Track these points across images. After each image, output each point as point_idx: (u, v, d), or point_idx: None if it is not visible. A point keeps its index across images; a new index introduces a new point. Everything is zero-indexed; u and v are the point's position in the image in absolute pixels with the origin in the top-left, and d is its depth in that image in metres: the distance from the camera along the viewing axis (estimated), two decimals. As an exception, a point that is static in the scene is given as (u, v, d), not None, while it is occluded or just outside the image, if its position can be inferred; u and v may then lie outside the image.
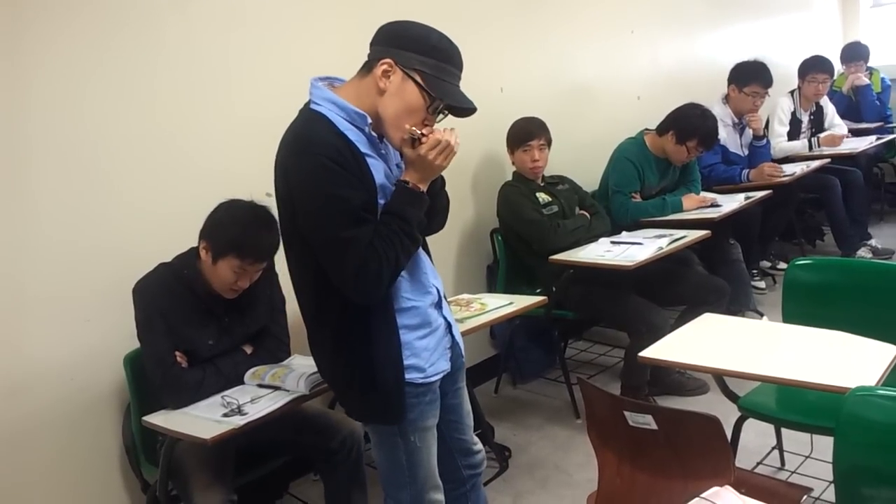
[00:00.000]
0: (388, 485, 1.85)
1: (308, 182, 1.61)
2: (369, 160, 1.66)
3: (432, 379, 1.78)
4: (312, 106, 1.69)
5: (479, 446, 2.05)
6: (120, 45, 2.40)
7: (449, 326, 1.87)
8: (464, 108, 1.70)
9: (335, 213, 1.60)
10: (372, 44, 1.70)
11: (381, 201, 1.68)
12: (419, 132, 1.65)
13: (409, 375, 1.73)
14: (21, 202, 2.22)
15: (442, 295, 1.87)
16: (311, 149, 1.61)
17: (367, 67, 1.70)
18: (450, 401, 1.92)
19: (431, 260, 1.90)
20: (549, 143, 3.41)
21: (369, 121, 1.68)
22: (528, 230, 3.32)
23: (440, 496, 1.87)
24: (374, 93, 1.67)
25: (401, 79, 1.64)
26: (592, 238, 3.32)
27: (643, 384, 3.21)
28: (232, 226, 2.13)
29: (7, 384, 2.21)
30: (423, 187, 1.70)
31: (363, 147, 1.67)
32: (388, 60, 1.64)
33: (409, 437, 1.77)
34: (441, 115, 1.72)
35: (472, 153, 3.57)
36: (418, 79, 1.64)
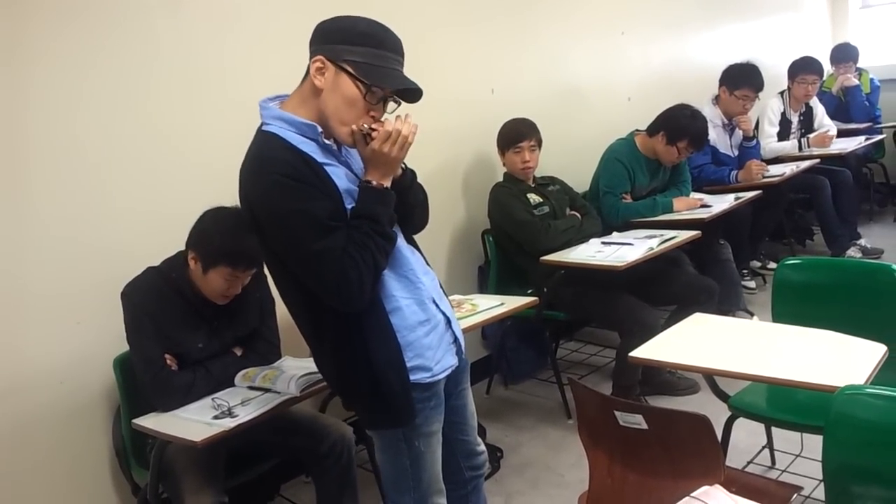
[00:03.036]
0: (391, 489, 1.83)
1: (268, 202, 1.60)
2: (328, 168, 1.65)
3: (440, 376, 1.77)
4: (264, 127, 1.68)
5: (482, 448, 2.04)
6: (113, 48, 2.39)
7: (449, 322, 1.84)
8: (407, 90, 1.66)
9: (302, 228, 1.59)
10: (309, 45, 1.69)
11: (350, 206, 1.67)
12: (368, 127, 1.63)
13: (416, 376, 1.72)
14: (11, 204, 2.21)
15: (439, 290, 1.86)
16: (266, 168, 1.60)
17: (306, 71, 1.68)
18: (454, 402, 1.91)
19: (424, 256, 1.88)
20: (539, 143, 3.41)
21: (319, 130, 1.67)
22: (519, 231, 3.32)
23: (443, 500, 1.85)
24: (315, 94, 1.65)
25: (334, 73, 1.63)
26: (583, 238, 3.33)
27: (635, 384, 3.21)
28: (219, 234, 2.12)
29: (-4, 387, 2.21)
30: (387, 183, 1.69)
31: (319, 157, 1.65)
32: (319, 57, 1.63)
33: (413, 443, 1.76)
34: (394, 104, 1.70)
35: (463, 154, 3.57)
36: (349, 69, 1.62)
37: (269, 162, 1.61)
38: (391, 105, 1.70)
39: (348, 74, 1.62)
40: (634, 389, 3.21)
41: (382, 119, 1.68)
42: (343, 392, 1.85)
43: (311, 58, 1.66)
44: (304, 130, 1.66)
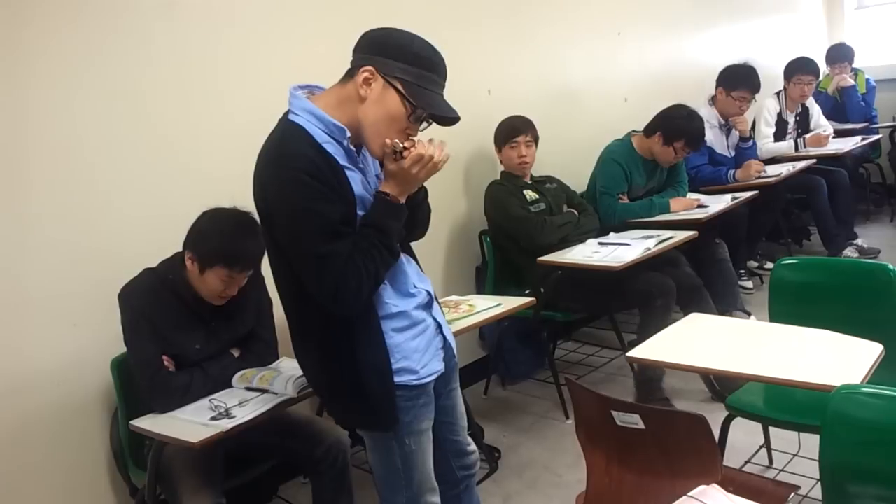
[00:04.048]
0: (384, 489, 1.84)
1: (284, 196, 1.60)
2: (348, 172, 1.65)
3: (426, 380, 1.77)
4: (291, 116, 1.67)
5: (473, 447, 2.04)
6: (109, 50, 2.39)
7: (440, 327, 1.85)
8: (447, 117, 1.67)
9: (312, 229, 1.58)
10: (354, 51, 1.69)
11: (360, 213, 1.67)
12: (402, 145, 1.62)
13: (401, 378, 1.72)
14: (8, 206, 2.21)
15: (432, 297, 1.86)
16: (288, 162, 1.59)
17: (349, 75, 1.68)
18: (443, 402, 1.91)
19: (418, 264, 1.89)
20: (535, 139, 3.42)
21: (348, 134, 1.66)
22: (516, 227, 3.33)
23: (436, 499, 1.86)
24: (355, 100, 1.65)
25: (382, 87, 1.63)
26: (581, 234, 3.33)
27: (659, 377, 3.17)
28: (217, 235, 2.12)
29: (-7, 389, 2.20)
30: (402, 199, 1.69)
31: (341, 160, 1.65)
32: (369, 68, 1.63)
33: (404, 441, 1.76)
34: (425, 124, 1.70)
35: (460, 155, 3.57)
36: (399, 87, 1.62)
37: (291, 156, 1.60)
38: (423, 125, 1.71)
39: (397, 92, 1.62)
40: (658, 383, 3.15)
41: (414, 138, 1.68)
42: (325, 390, 1.85)
43: (357, 64, 1.66)
44: (333, 131, 1.65)
